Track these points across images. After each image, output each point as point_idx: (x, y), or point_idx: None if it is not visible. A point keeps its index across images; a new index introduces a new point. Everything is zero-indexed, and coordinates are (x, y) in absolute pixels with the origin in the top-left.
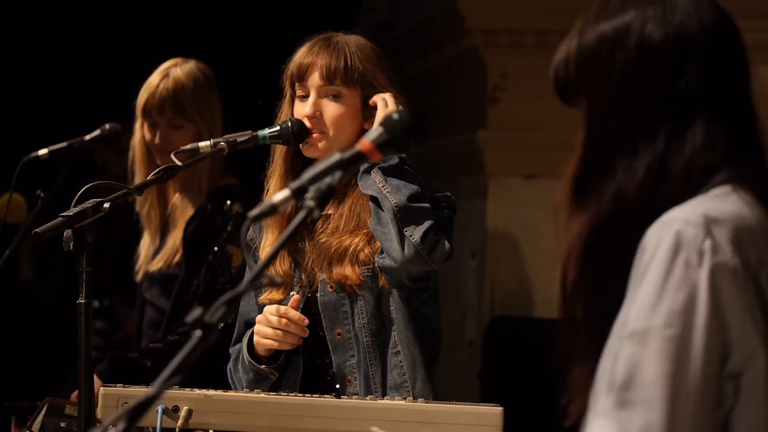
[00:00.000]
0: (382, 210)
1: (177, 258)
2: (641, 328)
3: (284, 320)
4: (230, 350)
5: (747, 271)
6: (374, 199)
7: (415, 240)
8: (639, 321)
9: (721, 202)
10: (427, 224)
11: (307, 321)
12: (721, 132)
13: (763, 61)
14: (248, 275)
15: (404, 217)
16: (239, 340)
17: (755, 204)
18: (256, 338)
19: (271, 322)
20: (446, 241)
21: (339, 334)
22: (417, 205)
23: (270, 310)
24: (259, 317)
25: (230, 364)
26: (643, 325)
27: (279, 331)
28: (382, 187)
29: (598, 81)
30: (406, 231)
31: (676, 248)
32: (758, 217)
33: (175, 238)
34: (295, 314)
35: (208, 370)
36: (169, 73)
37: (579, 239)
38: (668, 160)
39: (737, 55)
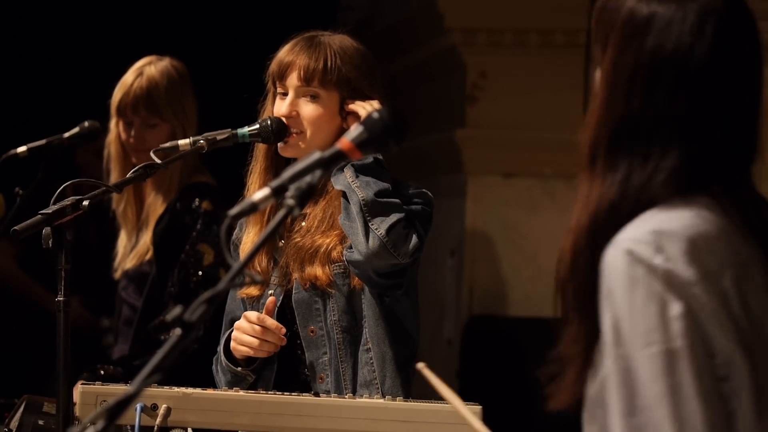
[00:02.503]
0: (351, 204)
1: (149, 256)
2: (624, 354)
3: (261, 328)
4: (218, 348)
5: (706, 279)
6: (345, 195)
7: (380, 233)
8: (619, 347)
9: (673, 213)
10: (394, 218)
11: (284, 330)
12: (695, 144)
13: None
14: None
15: (371, 210)
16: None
17: (715, 208)
18: (232, 344)
19: (248, 329)
20: (415, 236)
21: (312, 332)
22: (384, 200)
23: (248, 316)
24: (237, 323)
25: (214, 363)
26: (624, 350)
27: (255, 340)
28: (352, 182)
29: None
30: (372, 224)
31: (632, 267)
32: (716, 223)
33: (147, 236)
34: (272, 323)
35: (193, 366)
36: (143, 71)
37: (593, 214)
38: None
39: (741, 69)
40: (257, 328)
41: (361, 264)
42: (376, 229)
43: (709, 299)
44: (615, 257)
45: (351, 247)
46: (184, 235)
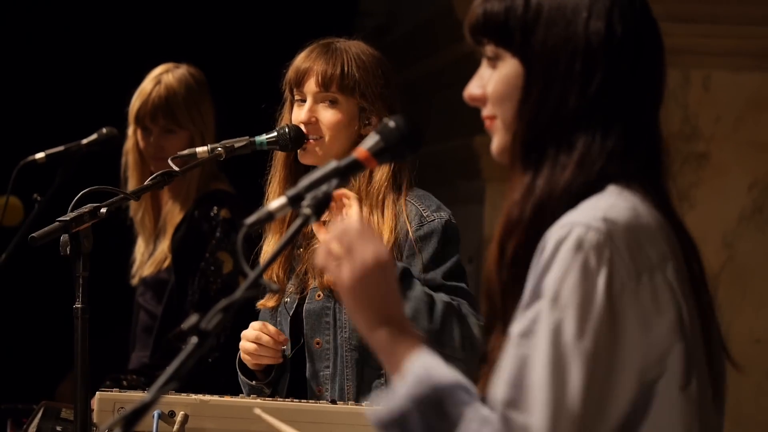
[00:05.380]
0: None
1: (167, 263)
2: (528, 329)
3: (262, 336)
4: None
5: (647, 272)
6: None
7: (459, 355)
8: (529, 322)
9: (616, 201)
10: (456, 337)
11: (284, 337)
12: (621, 134)
13: (757, 67)
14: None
15: (438, 340)
16: None
17: (647, 201)
18: (241, 355)
19: (250, 336)
20: (470, 323)
21: (317, 343)
22: (439, 326)
23: (253, 324)
24: (243, 332)
25: (239, 373)
26: (528, 326)
27: (252, 345)
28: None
29: (561, 53)
30: (446, 351)
31: (576, 251)
32: (654, 216)
33: (165, 243)
34: (272, 328)
35: (215, 373)
36: (161, 79)
37: (530, 205)
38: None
39: (649, 64)
40: (257, 335)
41: None
42: (453, 353)
43: (648, 290)
44: (562, 238)
45: None
46: (203, 243)
